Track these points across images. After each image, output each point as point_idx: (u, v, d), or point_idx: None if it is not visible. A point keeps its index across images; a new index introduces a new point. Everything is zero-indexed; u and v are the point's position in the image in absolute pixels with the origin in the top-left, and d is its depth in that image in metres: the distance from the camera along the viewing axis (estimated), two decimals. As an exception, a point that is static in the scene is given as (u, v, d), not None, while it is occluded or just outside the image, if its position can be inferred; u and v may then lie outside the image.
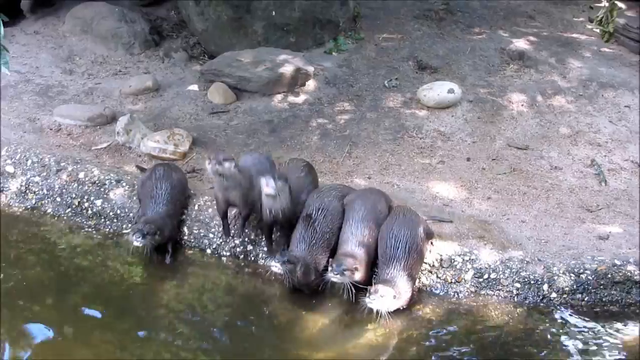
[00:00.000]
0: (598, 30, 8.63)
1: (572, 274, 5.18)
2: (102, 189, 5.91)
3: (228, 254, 5.56)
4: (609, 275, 5.17)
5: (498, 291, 5.19)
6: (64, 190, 5.96)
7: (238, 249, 5.56)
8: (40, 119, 6.85)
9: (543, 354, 4.75)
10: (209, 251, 5.59)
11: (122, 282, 5.29)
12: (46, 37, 8.31)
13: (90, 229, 5.78)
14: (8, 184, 6.06)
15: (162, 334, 4.82)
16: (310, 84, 7.51)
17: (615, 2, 8.21)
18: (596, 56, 8.21)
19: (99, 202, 5.87)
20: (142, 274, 5.40)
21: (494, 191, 6.14)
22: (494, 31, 8.63)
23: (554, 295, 5.15)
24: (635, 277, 5.17)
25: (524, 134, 6.91)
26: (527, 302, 5.15)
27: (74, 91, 7.39)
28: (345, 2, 8.32)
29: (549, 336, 4.90)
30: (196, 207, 5.75)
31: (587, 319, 5.04)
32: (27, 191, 6.01)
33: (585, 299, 5.15)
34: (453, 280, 5.24)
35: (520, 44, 8.30)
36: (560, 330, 4.95)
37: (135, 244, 5.23)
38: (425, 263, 5.26)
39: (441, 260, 5.31)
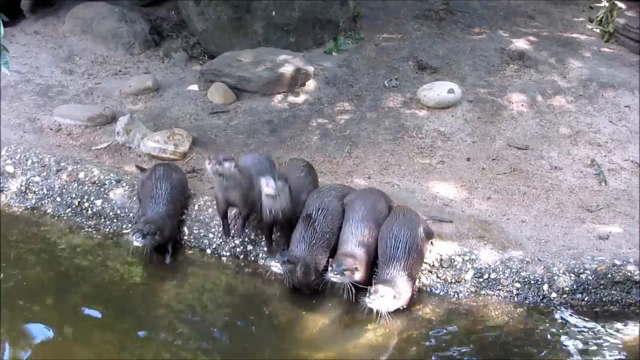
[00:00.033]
0: (598, 30, 8.63)
1: (572, 274, 5.18)
2: (102, 189, 5.91)
3: (228, 254, 5.56)
4: (609, 275, 5.17)
5: (498, 291, 5.19)
6: (64, 190, 5.96)
7: (238, 249, 5.56)
8: (40, 119, 6.85)
9: (543, 354, 4.74)
10: (209, 251, 5.59)
11: (122, 282, 5.29)
12: (46, 37, 8.31)
13: (90, 229, 5.78)
14: (8, 184, 6.06)
15: (162, 334, 4.82)
16: (310, 84, 7.51)
17: (615, 2, 8.21)
18: (596, 56, 8.21)
19: (99, 202, 5.87)
20: (142, 274, 5.40)
21: (494, 191, 6.14)
22: (494, 31, 8.63)
23: (554, 295, 5.15)
24: (635, 277, 5.17)
25: (524, 134, 6.91)
26: (527, 302, 5.15)
27: (74, 91, 7.39)
28: (345, 2, 8.32)
29: (549, 336, 4.90)
30: (196, 207, 5.75)
31: (587, 319, 5.04)
32: (27, 191, 6.01)
33: (585, 299, 5.15)
34: (453, 280, 5.24)
35: (520, 44, 8.30)
36: (560, 330, 4.95)
37: (135, 244, 5.23)
38: (425, 263, 5.26)
39: (441, 260, 5.31)
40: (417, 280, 5.19)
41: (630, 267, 5.19)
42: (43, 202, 5.96)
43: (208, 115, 7.11)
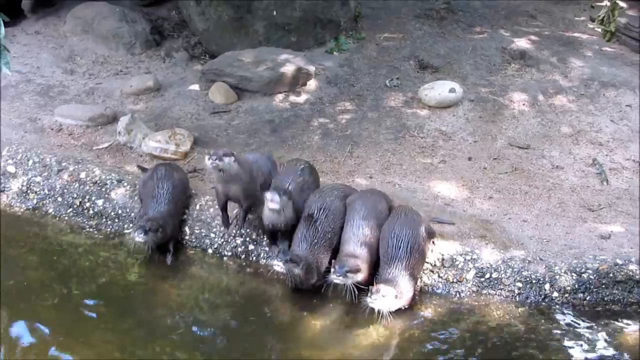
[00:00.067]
0: (599, 30, 8.62)
1: (573, 273, 5.18)
2: (103, 189, 5.92)
3: (229, 253, 5.56)
4: (611, 275, 5.17)
5: (500, 290, 5.18)
6: (65, 190, 5.96)
7: (239, 249, 5.56)
8: (42, 119, 6.85)
9: (544, 353, 4.74)
10: (210, 251, 5.59)
11: (123, 282, 5.29)
12: (47, 37, 8.31)
13: (91, 229, 5.78)
14: (9, 184, 6.06)
15: (163, 334, 4.81)
16: (312, 84, 7.51)
17: (617, 1, 8.20)
18: (597, 55, 8.20)
19: (100, 202, 5.87)
20: (143, 274, 5.40)
21: (496, 190, 6.13)
22: (495, 30, 8.62)
23: (555, 294, 5.14)
24: (636, 277, 5.16)
25: (526, 133, 6.91)
26: (528, 301, 5.15)
27: (75, 91, 7.40)
28: (346, 2, 8.31)
29: (550, 335, 4.89)
30: (197, 207, 5.75)
31: (588, 318, 5.03)
32: (29, 191, 6.01)
33: (587, 299, 5.14)
34: (455, 280, 5.24)
35: (522, 43, 8.29)
36: (562, 330, 4.94)
37: (138, 239, 5.23)
38: (427, 262, 5.25)
39: (443, 259, 5.30)
40: (419, 280, 5.18)
41: (632, 267, 5.19)
42: (44, 202, 5.96)
43: (209, 115, 7.10)
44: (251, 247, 5.55)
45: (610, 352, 4.77)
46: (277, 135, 6.79)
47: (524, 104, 7.27)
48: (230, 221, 5.56)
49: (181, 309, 5.06)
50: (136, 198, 5.80)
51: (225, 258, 5.55)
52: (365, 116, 7.06)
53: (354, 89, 7.49)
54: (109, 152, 6.46)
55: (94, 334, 4.76)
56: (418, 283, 5.16)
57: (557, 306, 5.11)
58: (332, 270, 4.90)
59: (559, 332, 4.92)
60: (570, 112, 7.18)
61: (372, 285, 4.85)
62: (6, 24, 4.93)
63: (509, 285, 5.19)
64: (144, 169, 6.07)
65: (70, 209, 5.89)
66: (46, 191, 5.99)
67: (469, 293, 5.20)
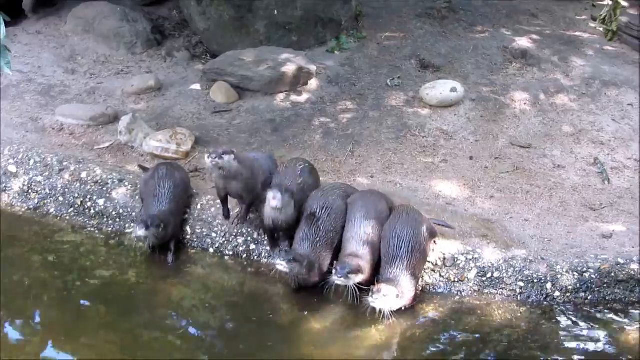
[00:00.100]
0: (601, 29, 8.62)
1: (575, 273, 5.17)
2: (104, 189, 5.92)
3: (231, 253, 5.56)
4: (612, 274, 5.16)
5: (501, 290, 5.18)
6: (66, 190, 5.96)
7: (241, 248, 5.55)
8: (43, 119, 6.86)
9: (546, 352, 4.73)
10: (211, 250, 5.59)
11: (124, 281, 5.28)
12: (48, 36, 8.31)
13: (92, 229, 5.78)
14: (11, 183, 6.06)
15: (164, 334, 4.81)
16: (313, 83, 7.51)
17: (619, 0, 8.19)
18: (599, 54, 8.20)
19: (101, 202, 5.87)
20: (144, 274, 5.39)
21: (497, 190, 6.13)
22: (497, 30, 8.62)
23: (557, 293, 5.14)
24: (638, 276, 5.15)
25: (527, 133, 6.90)
26: (530, 300, 5.14)
27: (76, 91, 7.40)
28: (348, 1, 8.31)
29: (552, 335, 4.88)
30: (199, 207, 5.75)
31: (590, 317, 5.02)
32: (30, 191, 6.01)
33: (589, 298, 5.14)
34: (456, 279, 5.23)
35: (523, 42, 8.28)
36: (564, 329, 4.93)
37: (139, 233, 5.23)
38: (429, 262, 5.25)
39: (444, 259, 5.30)
40: (421, 279, 5.18)
41: (634, 266, 5.18)
42: (45, 201, 5.97)
43: (210, 114, 7.11)
44: (252, 246, 5.55)
45: (611, 351, 4.76)
46: (278, 135, 6.78)
47: (525, 103, 7.26)
48: (231, 221, 5.56)
49: (182, 309, 5.06)
50: (137, 197, 5.80)
51: (226, 257, 5.54)
52: (366, 115, 7.06)
53: (355, 89, 7.49)
54: (110, 151, 6.46)
55: (94, 333, 4.76)
56: (419, 282, 5.15)
57: (559, 305, 5.11)
58: (334, 271, 4.89)
59: (560, 331, 4.91)
60: (571, 112, 7.18)
61: (374, 285, 4.85)
62: (7, 24, 4.94)
63: (510, 284, 5.18)
64: (145, 169, 6.07)
65: (72, 209, 5.89)
66: (47, 191, 5.99)
67: (470, 292, 5.19)
